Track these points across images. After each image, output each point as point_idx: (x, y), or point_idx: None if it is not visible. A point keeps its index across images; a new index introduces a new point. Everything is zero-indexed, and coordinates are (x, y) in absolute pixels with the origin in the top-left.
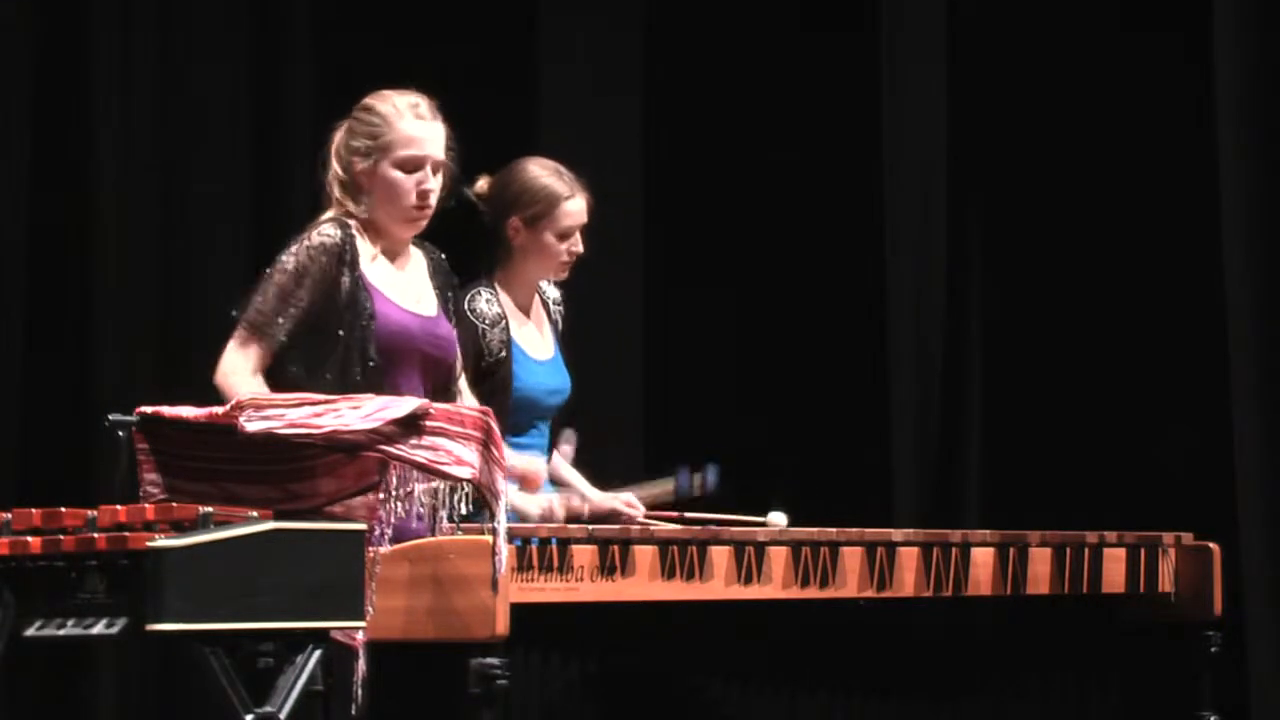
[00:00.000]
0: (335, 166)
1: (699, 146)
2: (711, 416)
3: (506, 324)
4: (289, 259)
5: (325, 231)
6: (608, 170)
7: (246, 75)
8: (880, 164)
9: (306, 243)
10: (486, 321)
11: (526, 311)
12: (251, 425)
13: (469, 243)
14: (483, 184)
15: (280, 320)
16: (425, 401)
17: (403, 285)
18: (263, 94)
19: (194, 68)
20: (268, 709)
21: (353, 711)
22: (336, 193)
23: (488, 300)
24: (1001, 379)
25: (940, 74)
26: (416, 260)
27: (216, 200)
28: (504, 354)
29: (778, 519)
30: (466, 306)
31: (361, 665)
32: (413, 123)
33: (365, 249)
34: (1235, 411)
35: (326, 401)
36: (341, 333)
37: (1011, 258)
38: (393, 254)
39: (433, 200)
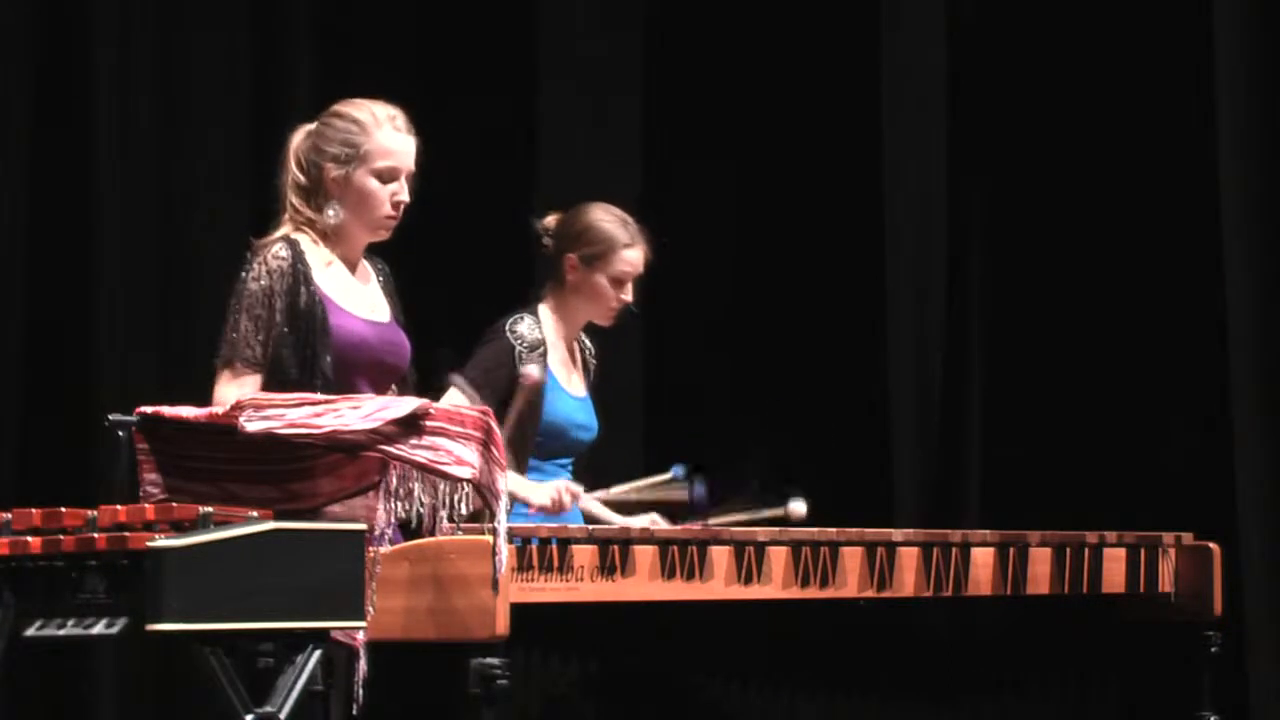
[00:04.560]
0: (295, 172)
1: (699, 146)
2: (709, 416)
3: (545, 351)
4: (254, 285)
5: (278, 254)
6: (608, 170)
7: (247, 75)
8: (880, 162)
9: (265, 266)
10: (525, 344)
11: (568, 347)
12: (251, 425)
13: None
14: (550, 219)
15: (264, 346)
16: (425, 401)
17: (357, 293)
18: (263, 94)
19: (194, 68)
20: (268, 709)
21: (353, 711)
22: (294, 198)
23: (529, 326)
24: (1001, 379)
25: (940, 72)
26: (366, 269)
27: (216, 200)
28: None
29: (798, 507)
30: (508, 328)
31: (361, 665)
32: (391, 134)
33: (319, 258)
34: (1235, 411)
35: (326, 401)
36: (299, 347)
37: (1012, 257)
38: (348, 262)
39: (401, 210)
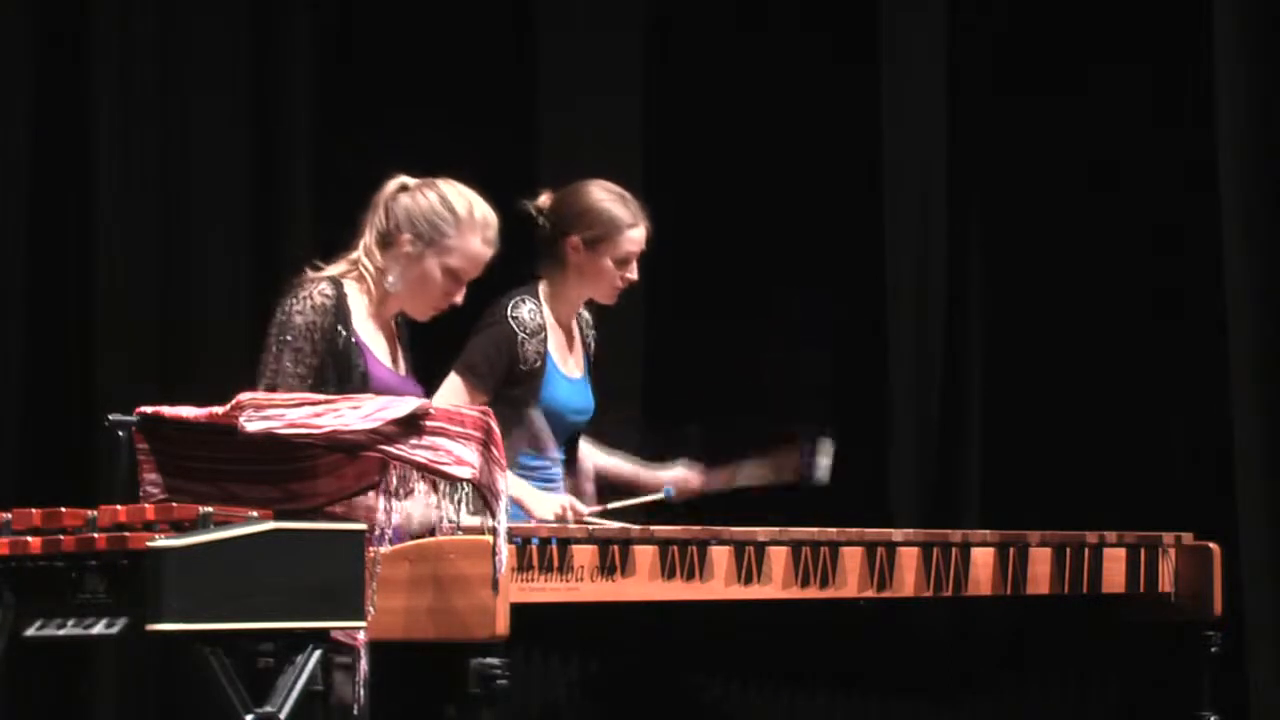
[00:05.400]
0: (383, 220)
1: (699, 146)
2: (710, 416)
3: (546, 336)
4: (297, 318)
5: (324, 292)
6: (608, 170)
7: (246, 75)
8: (880, 164)
9: (310, 301)
10: (527, 330)
11: (566, 328)
12: (251, 425)
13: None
14: (545, 198)
15: (302, 380)
16: (425, 401)
17: (386, 345)
18: (262, 93)
19: (194, 67)
20: (268, 709)
21: (354, 712)
22: (370, 240)
23: (531, 310)
24: (1001, 379)
25: (940, 74)
26: (393, 324)
27: (216, 200)
28: (538, 364)
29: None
30: (509, 312)
31: (362, 665)
32: (479, 244)
33: (359, 305)
34: (1235, 412)
35: (326, 401)
36: (326, 386)
37: (1011, 258)
38: (381, 315)
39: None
